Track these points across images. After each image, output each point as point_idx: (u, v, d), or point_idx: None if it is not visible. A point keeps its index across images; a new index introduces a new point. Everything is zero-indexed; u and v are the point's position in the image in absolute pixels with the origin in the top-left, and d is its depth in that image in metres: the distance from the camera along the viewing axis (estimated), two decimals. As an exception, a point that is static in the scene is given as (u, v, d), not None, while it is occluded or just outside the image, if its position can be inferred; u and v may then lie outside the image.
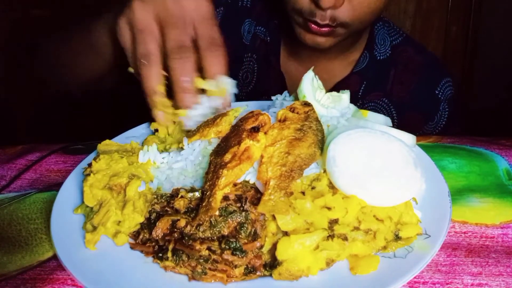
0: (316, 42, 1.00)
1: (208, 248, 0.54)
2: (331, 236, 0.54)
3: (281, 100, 0.75)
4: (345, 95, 0.74)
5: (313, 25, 0.95)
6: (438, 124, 1.16)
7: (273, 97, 0.77)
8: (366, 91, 1.14)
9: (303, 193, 0.57)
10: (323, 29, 0.95)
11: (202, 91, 0.69)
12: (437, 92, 1.15)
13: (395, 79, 1.16)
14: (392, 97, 1.15)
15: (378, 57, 1.15)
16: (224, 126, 0.66)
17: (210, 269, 0.53)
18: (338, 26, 0.95)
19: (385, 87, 1.15)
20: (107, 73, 0.91)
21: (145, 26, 0.68)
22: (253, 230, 0.55)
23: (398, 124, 1.15)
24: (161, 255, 0.54)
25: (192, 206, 0.58)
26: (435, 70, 1.18)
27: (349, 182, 0.56)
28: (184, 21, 0.69)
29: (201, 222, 0.55)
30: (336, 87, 1.12)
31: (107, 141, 0.72)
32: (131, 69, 0.70)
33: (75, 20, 0.98)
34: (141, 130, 0.81)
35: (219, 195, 0.56)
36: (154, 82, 0.68)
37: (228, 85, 0.69)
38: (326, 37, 0.99)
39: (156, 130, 0.75)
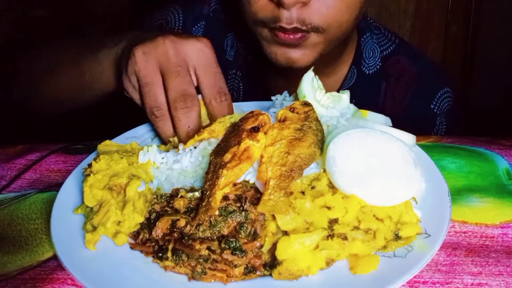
0: (290, 59, 0.87)
1: (208, 248, 0.54)
2: (331, 236, 0.54)
3: (281, 100, 0.75)
4: (345, 95, 0.74)
5: (280, 33, 0.83)
6: None
7: (272, 97, 0.77)
8: None
9: (303, 192, 0.57)
10: (292, 36, 0.83)
11: None
12: (432, 106, 1.07)
13: (387, 93, 1.07)
14: (384, 113, 1.07)
15: (367, 72, 1.06)
16: (217, 125, 0.66)
17: (210, 268, 0.53)
18: (310, 32, 0.84)
19: (376, 102, 1.08)
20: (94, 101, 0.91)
21: (150, 79, 0.69)
22: (253, 230, 0.55)
23: None
24: (161, 255, 0.54)
25: (192, 206, 0.58)
26: (431, 81, 1.09)
27: (349, 182, 0.56)
28: (186, 68, 0.69)
29: (201, 222, 0.55)
30: None
31: (107, 142, 0.72)
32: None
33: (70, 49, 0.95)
34: (141, 130, 0.81)
35: (219, 195, 0.56)
36: (169, 133, 0.70)
37: None
38: (300, 50, 0.86)
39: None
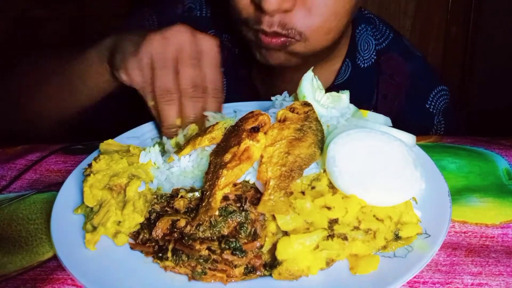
0: (275, 61, 0.88)
1: (208, 248, 0.54)
2: (331, 236, 0.54)
3: (281, 101, 0.75)
4: (345, 95, 0.74)
5: (263, 36, 0.83)
6: None
7: (272, 98, 0.77)
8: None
9: (303, 193, 0.57)
10: (274, 40, 0.83)
11: None
12: (427, 105, 1.05)
13: (379, 91, 1.05)
14: (378, 111, 1.05)
15: (362, 65, 1.04)
16: (218, 133, 0.66)
17: (210, 269, 0.53)
18: (292, 37, 0.83)
19: (371, 98, 1.05)
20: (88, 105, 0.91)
21: (166, 63, 0.71)
22: (253, 230, 0.55)
23: None
24: (161, 255, 0.54)
25: (192, 206, 0.58)
26: (424, 80, 1.06)
27: (349, 182, 0.56)
28: (198, 61, 0.73)
29: (201, 222, 0.55)
30: None
31: (109, 141, 0.72)
32: (151, 103, 0.74)
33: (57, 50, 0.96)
34: (140, 130, 0.81)
35: (219, 195, 0.56)
36: (174, 118, 0.72)
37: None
38: (283, 54, 0.87)
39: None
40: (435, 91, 1.06)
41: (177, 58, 0.72)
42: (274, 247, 0.53)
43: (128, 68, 0.74)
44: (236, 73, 1.09)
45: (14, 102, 0.99)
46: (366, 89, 1.05)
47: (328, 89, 1.00)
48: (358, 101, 1.01)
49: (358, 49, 1.04)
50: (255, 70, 1.08)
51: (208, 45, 0.74)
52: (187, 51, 0.72)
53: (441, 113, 1.07)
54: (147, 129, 0.81)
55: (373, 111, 1.02)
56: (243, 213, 0.56)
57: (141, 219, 0.59)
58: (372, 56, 1.05)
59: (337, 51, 1.03)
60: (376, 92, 1.05)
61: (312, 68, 0.74)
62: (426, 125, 1.06)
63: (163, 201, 0.60)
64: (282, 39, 0.83)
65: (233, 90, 1.08)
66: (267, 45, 0.85)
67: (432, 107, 1.06)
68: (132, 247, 0.57)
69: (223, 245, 0.54)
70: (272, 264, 0.53)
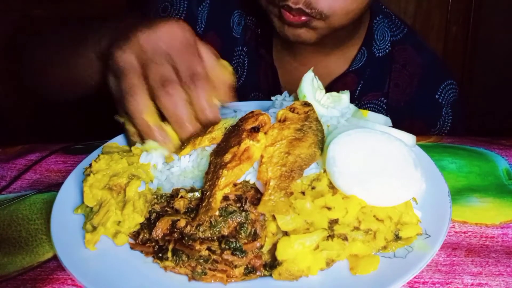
0: (297, 35, 0.92)
1: (208, 248, 0.54)
2: (331, 236, 0.54)
3: (281, 101, 0.75)
4: (345, 95, 0.74)
5: (286, 12, 0.87)
6: (442, 129, 1.11)
7: (272, 98, 0.77)
8: (363, 91, 1.09)
9: (303, 193, 0.57)
10: (297, 17, 0.86)
11: None
12: (437, 96, 1.10)
13: (391, 80, 1.10)
14: (388, 100, 1.10)
15: (377, 54, 1.09)
16: (218, 133, 0.66)
17: (210, 269, 0.53)
18: (313, 17, 0.87)
19: (383, 86, 1.10)
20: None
21: (126, 67, 0.66)
22: (253, 230, 0.55)
23: (398, 127, 1.07)
24: (161, 255, 0.54)
25: (192, 206, 0.58)
26: (434, 72, 1.12)
27: (349, 182, 0.56)
28: (161, 54, 0.66)
29: (201, 222, 0.55)
30: (332, 85, 1.07)
31: (112, 144, 0.72)
32: (119, 118, 0.66)
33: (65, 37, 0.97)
34: None
35: (219, 195, 0.56)
36: (142, 112, 0.64)
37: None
38: (304, 29, 0.90)
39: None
40: (445, 83, 1.11)
41: (141, 61, 0.66)
42: (274, 247, 0.53)
43: (109, 83, 0.70)
44: (258, 52, 1.12)
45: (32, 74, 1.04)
46: (379, 77, 1.10)
47: (343, 75, 1.07)
48: (371, 87, 1.08)
49: (374, 38, 1.09)
50: (275, 51, 1.11)
51: (166, 35, 0.67)
52: (145, 49, 0.66)
53: (449, 105, 1.11)
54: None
55: (384, 99, 1.10)
56: (243, 213, 0.56)
57: (141, 219, 0.59)
58: (387, 46, 1.10)
59: (354, 39, 1.08)
60: (388, 80, 1.10)
61: (312, 68, 0.74)
62: (435, 115, 1.10)
63: (163, 201, 0.60)
64: (304, 17, 0.87)
65: (254, 68, 1.12)
66: (289, 22, 0.89)
67: (441, 98, 1.10)
68: (132, 247, 0.57)
69: (223, 245, 0.54)
70: (272, 264, 0.53)
